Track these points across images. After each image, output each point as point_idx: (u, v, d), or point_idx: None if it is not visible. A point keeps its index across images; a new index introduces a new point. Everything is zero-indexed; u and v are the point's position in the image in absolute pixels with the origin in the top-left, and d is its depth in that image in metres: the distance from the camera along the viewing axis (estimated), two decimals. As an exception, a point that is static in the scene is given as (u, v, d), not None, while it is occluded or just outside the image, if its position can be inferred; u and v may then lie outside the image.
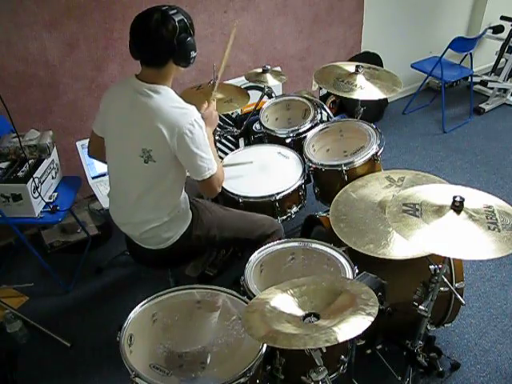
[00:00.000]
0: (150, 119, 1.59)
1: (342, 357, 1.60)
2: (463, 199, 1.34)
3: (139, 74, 1.65)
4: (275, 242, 1.84)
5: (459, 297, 1.75)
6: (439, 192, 1.47)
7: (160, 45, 1.56)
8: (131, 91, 1.63)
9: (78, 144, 2.56)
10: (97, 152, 1.89)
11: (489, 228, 1.31)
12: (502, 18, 4.09)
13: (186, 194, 1.85)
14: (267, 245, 1.83)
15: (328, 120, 2.63)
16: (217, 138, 2.62)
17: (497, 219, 1.34)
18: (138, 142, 1.64)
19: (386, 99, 4.04)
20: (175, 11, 1.57)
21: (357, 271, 1.64)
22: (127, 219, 1.82)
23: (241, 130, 2.92)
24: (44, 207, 2.27)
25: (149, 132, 1.60)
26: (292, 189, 2.15)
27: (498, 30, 4.19)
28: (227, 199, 2.16)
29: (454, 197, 1.35)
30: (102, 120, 1.77)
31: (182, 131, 1.57)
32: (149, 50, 1.59)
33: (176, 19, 1.55)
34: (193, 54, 1.63)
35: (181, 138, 1.58)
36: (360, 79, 2.28)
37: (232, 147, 3.28)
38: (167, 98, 1.62)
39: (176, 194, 1.78)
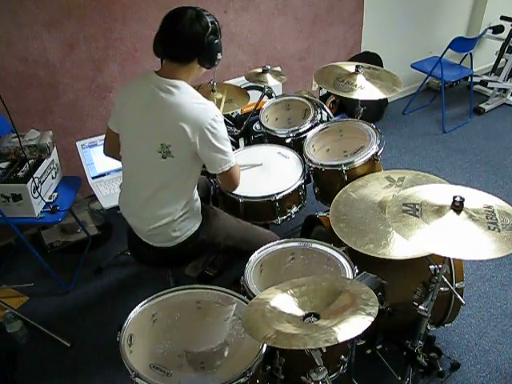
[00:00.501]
0: (171, 115, 1.60)
1: (342, 357, 1.59)
2: (463, 199, 1.34)
3: (159, 70, 1.66)
4: (275, 242, 1.84)
5: (459, 297, 1.75)
6: (439, 192, 1.46)
7: (190, 41, 1.58)
8: (151, 87, 1.64)
9: (78, 144, 2.56)
10: (112, 149, 1.88)
11: (489, 228, 1.31)
12: (502, 18, 4.09)
13: (198, 197, 1.86)
14: (267, 245, 1.83)
15: (328, 120, 2.63)
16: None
17: (497, 219, 1.34)
18: (156, 138, 1.64)
19: (386, 99, 4.04)
20: (208, 13, 1.61)
21: (357, 271, 1.64)
22: (138, 213, 1.81)
23: (241, 130, 2.92)
24: (44, 207, 2.27)
25: (169, 128, 1.61)
26: (292, 189, 2.14)
27: (498, 29, 4.19)
28: (227, 199, 2.16)
29: (454, 197, 1.35)
30: (118, 116, 1.77)
31: (205, 127, 1.58)
32: (177, 45, 1.60)
33: (208, 19, 1.58)
34: (219, 56, 1.66)
35: (203, 133, 1.59)
36: (360, 79, 2.28)
37: (232, 147, 3.27)
38: (187, 94, 1.63)
39: (189, 190, 1.77)
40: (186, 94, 1.63)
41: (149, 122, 1.66)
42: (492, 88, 4.12)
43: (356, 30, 3.73)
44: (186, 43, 1.59)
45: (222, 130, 1.65)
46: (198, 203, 1.85)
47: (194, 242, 1.82)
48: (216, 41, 1.62)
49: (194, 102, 1.62)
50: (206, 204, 2.02)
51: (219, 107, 2.28)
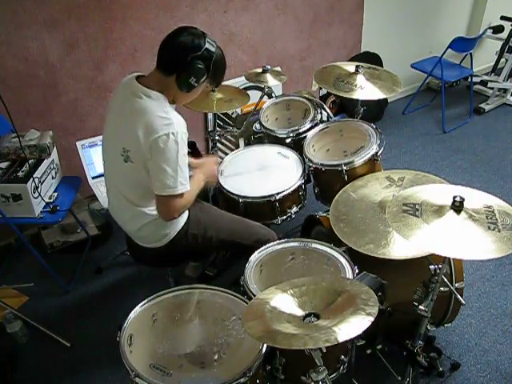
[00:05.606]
0: (133, 120, 1.59)
1: (342, 357, 1.60)
2: (463, 199, 1.34)
3: (142, 75, 1.66)
4: (275, 242, 1.84)
5: (459, 297, 1.75)
6: (439, 192, 1.46)
7: (176, 51, 1.57)
8: (127, 92, 1.64)
9: (78, 144, 2.56)
10: None
11: (489, 228, 1.30)
12: (502, 18, 4.09)
13: None
14: (267, 245, 1.83)
15: (328, 120, 2.63)
16: (217, 137, 2.62)
17: (497, 219, 1.34)
18: (120, 141, 1.65)
19: (385, 99, 4.04)
20: (212, 42, 1.61)
21: (357, 271, 1.64)
22: (121, 217, 1.84)
23: (241, 130, 2.92)
24: (44, 207, 2.27)
25: (129, 133, 1.60)
26: (292, 189, 2.14)
27: (498, 29, 4.19)
28: (227, 199, 2.16)
29: (454, 197, 1.35)
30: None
31: (155, 139, 1.54)
32: (165, 52, 1.60)
33: (206, 45, 1.57)
34: (193, 80, 1.59)
35: (152, 145, 1.55)
36: (360, 79, 2.28)
37: (232, 147, 3.28)
38: (156, 105, 1.59)
39: None
40: (154, 104, 1.59)
41: (117, 126, 1.67)
42: (492, 88, 4.12)
43: (356, 30, 3.73)
44: (172, 52, 1.58)
45: (174, 150, 1.55)
46: None
47: (185, 238, 1.83)
48: (200, 66, 1.57)
49: (157, 114, 1.56)
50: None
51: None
